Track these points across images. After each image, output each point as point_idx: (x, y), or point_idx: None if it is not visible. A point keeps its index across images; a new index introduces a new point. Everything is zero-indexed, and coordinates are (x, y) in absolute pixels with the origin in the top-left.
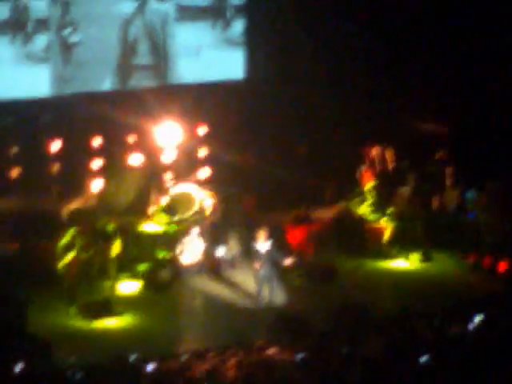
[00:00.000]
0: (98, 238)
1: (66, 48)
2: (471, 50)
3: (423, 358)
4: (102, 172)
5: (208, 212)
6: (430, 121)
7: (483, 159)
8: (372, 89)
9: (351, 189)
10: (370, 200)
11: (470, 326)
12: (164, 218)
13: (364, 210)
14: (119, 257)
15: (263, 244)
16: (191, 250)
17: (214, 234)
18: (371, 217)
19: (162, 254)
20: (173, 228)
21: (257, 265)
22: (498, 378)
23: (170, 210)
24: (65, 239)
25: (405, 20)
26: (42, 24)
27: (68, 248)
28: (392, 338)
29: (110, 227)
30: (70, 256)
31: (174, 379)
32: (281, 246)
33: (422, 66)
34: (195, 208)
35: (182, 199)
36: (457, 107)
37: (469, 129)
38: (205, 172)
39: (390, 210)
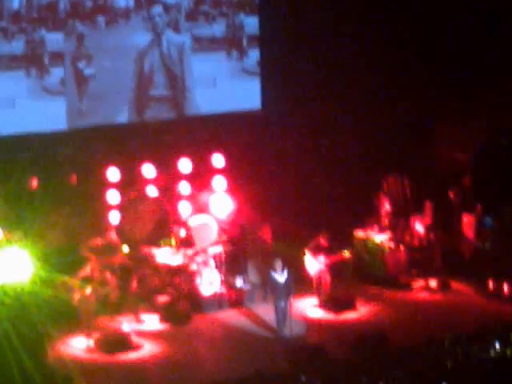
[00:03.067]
0: (116, 272)
1: (82, 81)
2: (491, 77)
3: None
4: (119, 204)
5: (226, 243)
6: (449, 148)
7: (501, 185)
8: (391, 117)
9: (368, 218)
10: (386, 228)
11: (491, 354)
12: (182, 249)
13: (381, 238)
14: (138, 289)
15: (280, 274)
16: (210, 281)
17: (233, 265)
18: (389, 245)
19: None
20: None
21: (274, 295)
22: None
23: (187, 241)
24: (83, 273)
25: (427, 50)
26: (58, 57)
27: (86, 282)
28: (412, 367)
29: (129, 260)
30: (88, 290)
31: None
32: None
33: (443, 94)
34: (213, 239)
35: (199, 230)
36: (478, 134)
37: (488, 155)
38: (221, 203)
39: (407, 238)
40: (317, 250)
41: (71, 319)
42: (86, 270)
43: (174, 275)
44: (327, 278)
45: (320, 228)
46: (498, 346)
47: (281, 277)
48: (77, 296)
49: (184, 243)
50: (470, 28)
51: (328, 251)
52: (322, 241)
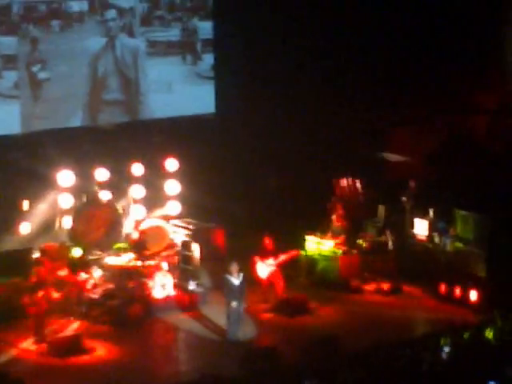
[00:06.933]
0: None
1: (36, 84)
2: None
3: None
4: (73, 208)
5: (178, 246)
6: (400, 152)
7: (454, 190)
8: (343, 121)
9: (321, 221)
10: (340, 232)
11: (442, 356)
12: (135, 252)
13: (334, 241)
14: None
15: (235, 277)
16: (162, 284)
17: (185, 268)
18: (341, 249)
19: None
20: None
21: (228, 298)
22: None
23: (140, 244)
24: (35, 276)
25: (379, 53)
26: (11, 60)
27: (38, 285)
28: (365, 370)
29: (82, 263)
30: (40, 293)
31: None
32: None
33: (395, 100)
34: (165, 243)
35: (152, 234)
36: (429, 139)
37: (437, 159)
38: (175, 207)
39: (360, 242)
40: (264, 254)
41: (22, 322)
42: (38, 272)
43: (126, 278)
44: (280, 281)
45: (273, 231)
46: (448, 349)
47: (236, 280)
48: (28, 298)
49: (137, 246)
50: (422, 32)
51: (274, 253)
52: (267, 243)
